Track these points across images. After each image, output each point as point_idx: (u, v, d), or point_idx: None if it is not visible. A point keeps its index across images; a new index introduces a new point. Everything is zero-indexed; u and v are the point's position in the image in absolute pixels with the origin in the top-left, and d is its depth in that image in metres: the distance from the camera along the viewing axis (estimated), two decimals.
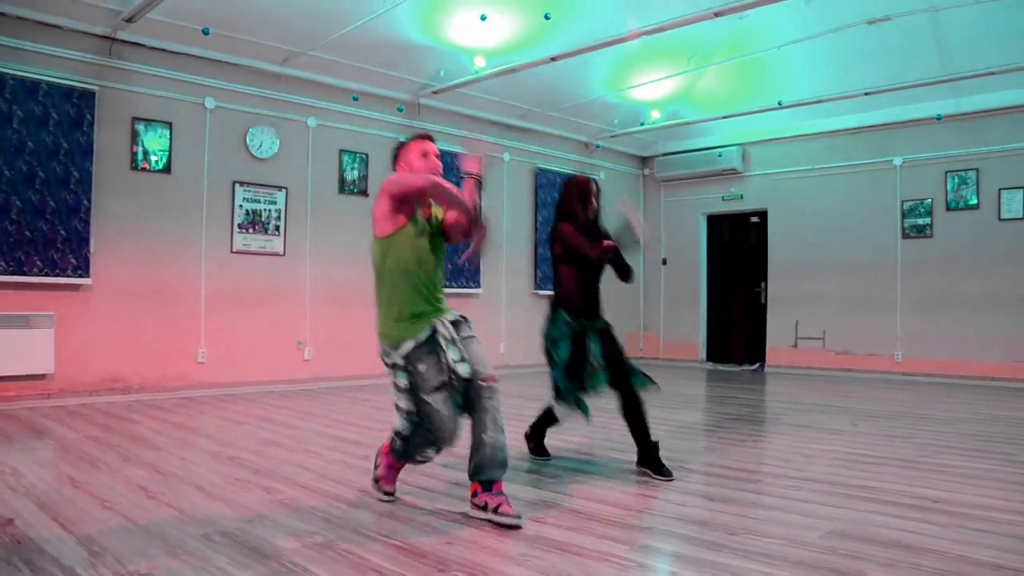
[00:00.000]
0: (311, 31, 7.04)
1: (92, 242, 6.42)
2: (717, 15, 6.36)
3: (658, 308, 11.67)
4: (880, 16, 7.21)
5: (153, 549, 2.71)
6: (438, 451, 3.29)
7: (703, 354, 11.20)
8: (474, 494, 3.18)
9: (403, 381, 3.21)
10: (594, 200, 4.30)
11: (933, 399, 7.29)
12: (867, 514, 3.23)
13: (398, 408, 3.28)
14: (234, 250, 7.32)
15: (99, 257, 6.50)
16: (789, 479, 3.93)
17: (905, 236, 9.17)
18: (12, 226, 6.03)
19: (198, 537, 2.85)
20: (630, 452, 4.58)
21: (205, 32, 6.43)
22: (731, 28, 8.52)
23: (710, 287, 11.28)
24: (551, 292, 4.31)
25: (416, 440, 3.31)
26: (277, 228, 7.59)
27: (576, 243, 4.11)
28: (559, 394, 4.17)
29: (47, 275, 6.18)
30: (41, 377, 6.20)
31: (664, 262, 11.61)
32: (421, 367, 3.15)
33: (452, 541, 2.85)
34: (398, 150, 3.42)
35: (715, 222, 11.29)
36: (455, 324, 3.25)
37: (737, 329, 11.06)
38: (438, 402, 3.14)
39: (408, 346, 3.16)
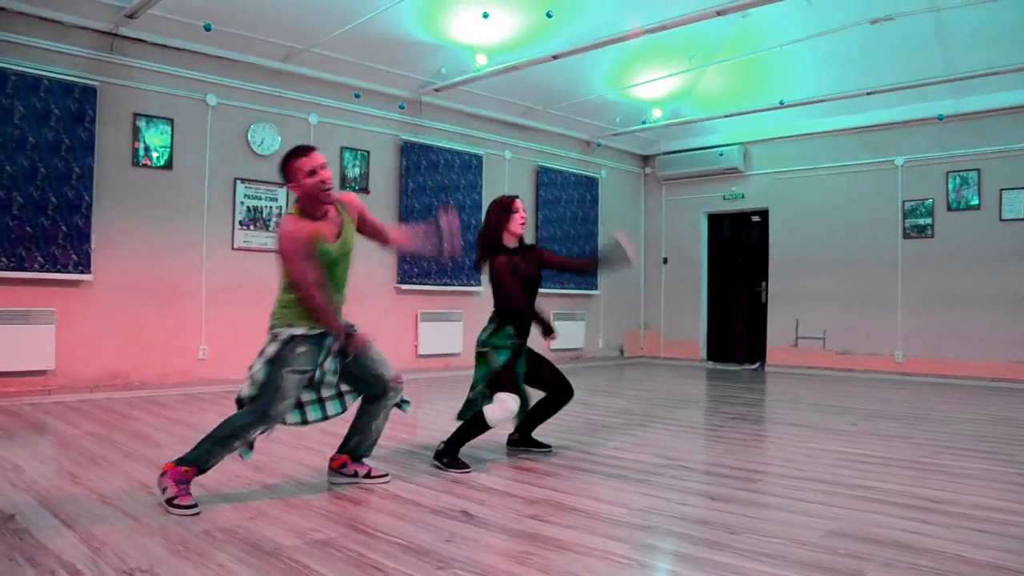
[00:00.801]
0: (313, 28, 7.04)
1: (93, 238, 6.42)
2: (719, 14, 6.35)
3: (659, 307, 11.67)
4: (882, 15, 7.19)
5: (154, 546, 2.71)
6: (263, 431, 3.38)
7: (703, 353, 11.20)
8: (343, 465, 3.70)
9: (272, 350, 3.32)
10: (519, 213, 4.34)
11: (933, 399, 7.29)
12: (867, 514, 3.23)
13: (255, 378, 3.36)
14: (235, 247, 7.32)
15: (100, 253, 6.50)
16: (789, 479, 3.93)
17: (906, 236, 9.16)
18: (13, 222, 6.04)
19: (199, 534, 2.86)
20: (631, 451, 4.59)
21: (207, 28, 6.43)
22: (733, 27, 8.51)
23: (711, 286, 11.28)
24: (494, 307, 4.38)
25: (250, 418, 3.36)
26: (279, 225, 7.58)
27: (509, 291, 4.24)
28: (472, 391, 4.23)
29: (48, 271, 6.19)
30: (42, 373, 6.21)
31: (665, 261, 11.61)
32: (299, 350, 3.32)
33: (452, 539, 2.85)
34: (286, 163, 3.44)
35: (716, 221, 11.29)
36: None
37: (738, 328, 11.06)
38: (291, 382, 3.33)
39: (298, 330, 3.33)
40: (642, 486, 3.73)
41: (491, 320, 4.33)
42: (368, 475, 3.71)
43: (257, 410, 3.32)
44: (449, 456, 4.10)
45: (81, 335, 6.39)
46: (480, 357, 4.26)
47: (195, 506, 3.13)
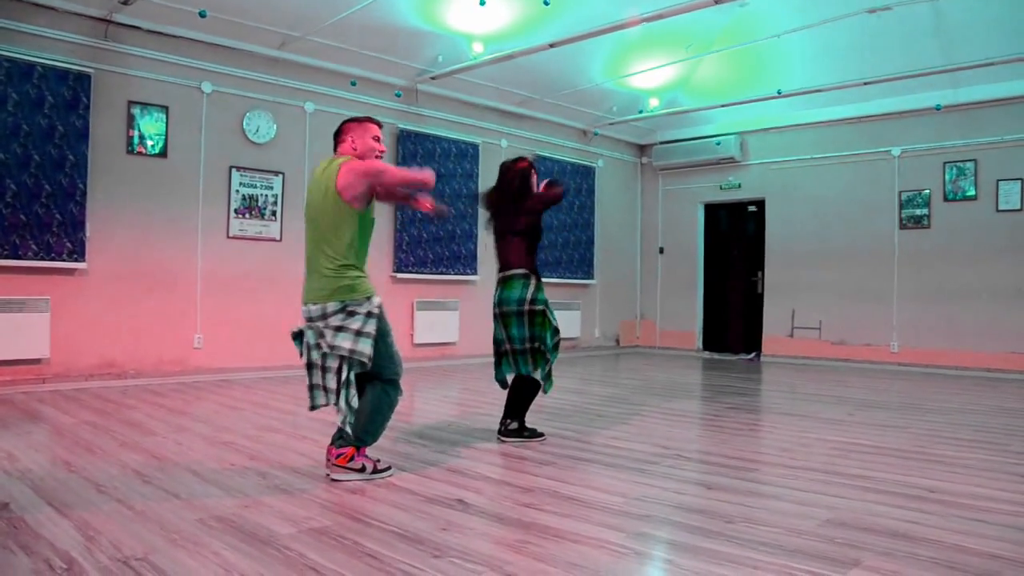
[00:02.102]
0: (309, 15, 6.99)
1: (88, 226, 6.39)
2: (717, 2, 6.32)
3: (655, 297, 11.67)
4: (880, 5, 7.16)
5: (149, 534, 2.71)
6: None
7: (699, 343, 11.20)
8: (351, 458, 3.55)
9: (373, 328, 3.45)
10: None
11: (929, 389, 7.31)
12: (863, 503, 3.24)
13: (363, 355, 3.42)
14: (230, 235, 7.29)
15: (95, 241, 6.47)
16: (786, 468, 3.93)
17: (903, 227, 9.17)
18: (7, 210, 6.00)
19: (194, 522, 2.85)
20: (627, 440, 4.59)
21: (202, 15, 6.38)
22: (731, 16, 8.48)
23: (707, 276, 11.28)
24: (515, 264, 4.56)
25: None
26: (274, 214, 7.56)
27: (545, 201, 4.65)
28: (546, 359, 4.42)
29: (42, 259, 6.15)
30: (36, 362, 6.19)
31: (661, 251, 11.61)
32: (385, 315, 3.56)
33: (448, 527, 2.85)
34: (348, 124, 3.74)
35: (713, 211, 11.28)
36: None
37: (734, 318, 11.07)
38: (395, 343, 3.63)
39: (379, 298, 3.53)
40: (638, 475, 3.73)
41: (524, 278, 4.47)
42: (376, 467, 3.66)
43: (394, 380, 3.60)
44: (524, 428, 4.45)
45: (76, 324, 6.37)
46: (535, 315, 4.41)
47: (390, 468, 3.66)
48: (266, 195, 7.51)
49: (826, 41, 8.26)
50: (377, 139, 3.72)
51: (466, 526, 2.88)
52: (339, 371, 3.44)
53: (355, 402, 3.47)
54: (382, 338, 3.50)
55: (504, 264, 4.58)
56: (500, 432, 4.53)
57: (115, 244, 6.60)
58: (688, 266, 11.31)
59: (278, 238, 7.59)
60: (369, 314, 3.45)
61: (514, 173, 4.63)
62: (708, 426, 5.35)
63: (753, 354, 10.58)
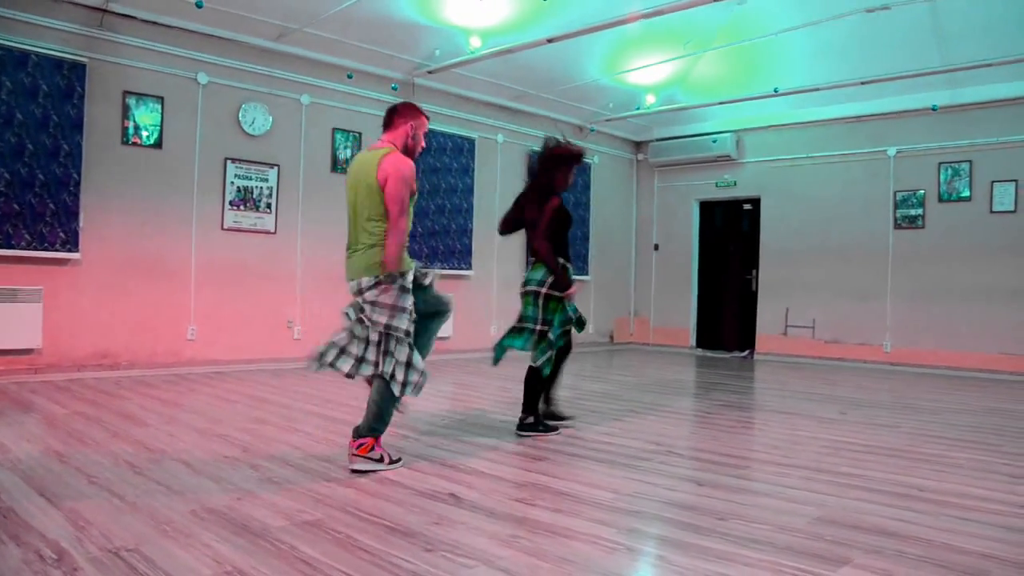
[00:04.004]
0: (306, 7, 6.97)
1: (81, 216, 6.36)
2: None
3: (649, 294, 11.68)
4: (878, 5, 7.16)
5: (140, 525, 2.70)
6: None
7: (693, 340, 11.22)
8: (371, 448, 3.62)
9: (409, 302, 3.59)
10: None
11: (921, 389, 7.34)
12: (854, 501, 3.25)
13: (399, 332, 3.55)
14: (225, 227, 7.27)
15: (88, 232, 6.44)
16: (777, 466, 3.95)
17: (897, 227, 9.19)
18: (1, 199, 5.97)
19: (186, 514, 2.84)
20: (620, 436, 4.60)
21: (199, 5, 6.33)
22: (729, 13, 8.47)
23: (701, 273, 11.29)
24: (539, 254, 4.59)
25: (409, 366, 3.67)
26: (269, 206, 7.54)
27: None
28: (550, 344, 4.53)
29: (35, 249, 6.13)
30: (29, 352, 6.16)
31: (656, 248, 11.62)
32: (423, 279, 3.74)
33: (440, 522, 2.85)
34: (408, 107, 3.81)
35: (708, 208, 11.29)
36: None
37: (728, 316, 11.09)
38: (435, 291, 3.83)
39: (412, 272, 3.67)
40: (630, 471, 3.74)
41: (540, 265, 4.55)
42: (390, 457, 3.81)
43: (413, 360, 3.65)
44: (539, 421, 4.52)
45: (68, 314, 6.34)
46: (549, 300, 4.51)
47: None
48: (261, 187, 7.48)
49: (824, 40, 8.26)
50: (425, 134, 3.88)
51: (458, 520, 2.88)
52: (379, 344, 3.59)
53: (399, 372, 3.59)
54: (423, 299, 3.70)
55: (533, 252, 4.69)
56: (518, 427, 4.58)
57: (109, 235, 6.58)
58: (683, 263, 11.32)
59: (272, 231, 7.57)
60: (403, 288, 3.57)
61: (545, 161, 4.66)
62: (700, 423, 5.36)
63: (746, 352, 10.60)
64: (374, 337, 3.59)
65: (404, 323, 3.55)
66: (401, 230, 3.54)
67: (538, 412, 4.62)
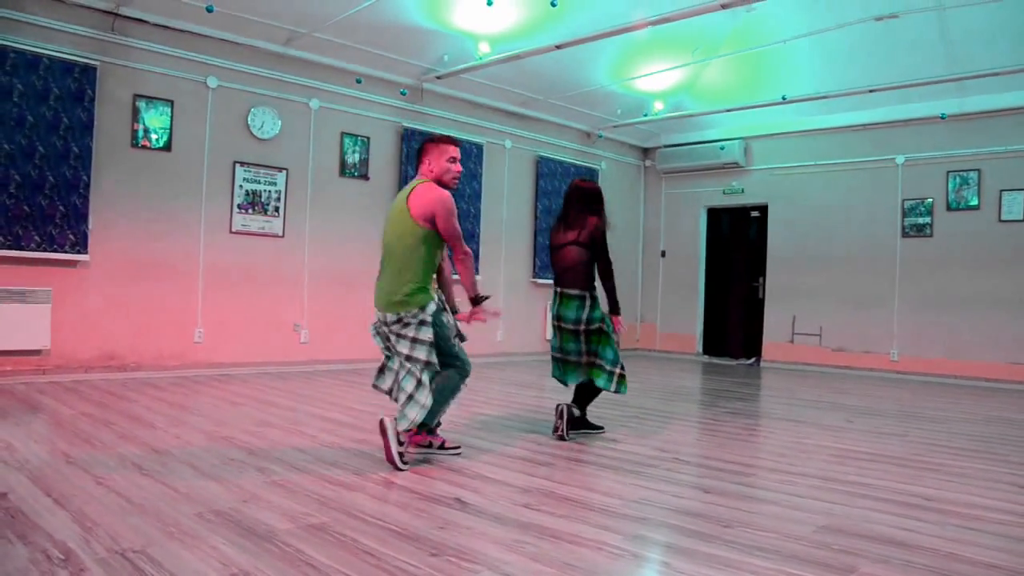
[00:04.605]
0: (315, 12, 7.00)
1: (91, 218, 6.40)
2: (724, 7, 6.33)
3: (656, 300, 11.67)
4: (887, 13, 7.17)
5: (146, 526, 2.71)
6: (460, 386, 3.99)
7: (699, 347, 11.21)
8: (426, 440, 3.94)
9: (428, 335, 3.73)
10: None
11: (928, 398, 7.31)
12: (860, 510, 3.24)
13: (418, 363, 3.71)
14: (233, 230, 7.29)
15: (97, 234, 6.47)
16: (783, 473, 3.94)
17: (905, 235, 9.17)
18: (10, 200, 6.01)
19: (192, 516, 2.85)
20: (626, 442, 4.60)
21: (209, 10, 6.39)
22: (738, 20, 8.48)
23: (708, 280, 11.28)
24: (578, 283, 4.62)
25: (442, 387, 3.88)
26: (277, 210, 7.57)
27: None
28: (618, 363, 4.60)
29: (45, 250, 6.16)
30: (37, 353, 6.19)
31: (663, 254, 11.61)
32: (441, 318, 3.84)
33: (445, 526, 2.85)
34: (427, 144, 3.92)
35: (715, 215, 11.28)
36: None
37: (734, 323, 11.07)
38: (458, 344, 3.95)
39: (433, 306, 3.78)
40: (636, 478, 3.74)
41: (579, 299, 4.58)
42: (443, 445, 4.03)
43: (416, 395, 3.75)
44: (585, 419, 4.75)
45: (77, 315, 6.37)
46: (590, 335, 4.58)
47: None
48: (269, 191, 7.51)
49: (832, 48, 8.26)
50: (454, 159, 3.90)
51: (464, 525, 2.88)
52: (396, 371, 3.83)
53: (420, 394, 3.70)
54: (441, 340, 3.82)
55: (560, 279, 4.71)
56: (568, 424, 4.64)
57: (118, 237, 6.61)
58: (689, 270, 11.31)
59: (280, 234, 7.60)
60: (422, 323, 3.72)
61: (585, 192, 4.74)
62: (706, 430, 5.35)
63: (753, 359, 10.58)
64: (400, 365, 3.81)
65: (423, 355, 3.72)
66: (467, 254, 3.84)
67: (585, 410, 4.81)
